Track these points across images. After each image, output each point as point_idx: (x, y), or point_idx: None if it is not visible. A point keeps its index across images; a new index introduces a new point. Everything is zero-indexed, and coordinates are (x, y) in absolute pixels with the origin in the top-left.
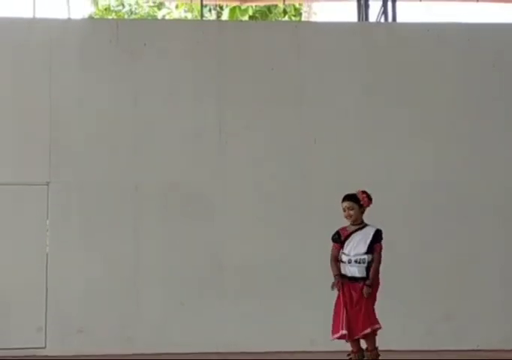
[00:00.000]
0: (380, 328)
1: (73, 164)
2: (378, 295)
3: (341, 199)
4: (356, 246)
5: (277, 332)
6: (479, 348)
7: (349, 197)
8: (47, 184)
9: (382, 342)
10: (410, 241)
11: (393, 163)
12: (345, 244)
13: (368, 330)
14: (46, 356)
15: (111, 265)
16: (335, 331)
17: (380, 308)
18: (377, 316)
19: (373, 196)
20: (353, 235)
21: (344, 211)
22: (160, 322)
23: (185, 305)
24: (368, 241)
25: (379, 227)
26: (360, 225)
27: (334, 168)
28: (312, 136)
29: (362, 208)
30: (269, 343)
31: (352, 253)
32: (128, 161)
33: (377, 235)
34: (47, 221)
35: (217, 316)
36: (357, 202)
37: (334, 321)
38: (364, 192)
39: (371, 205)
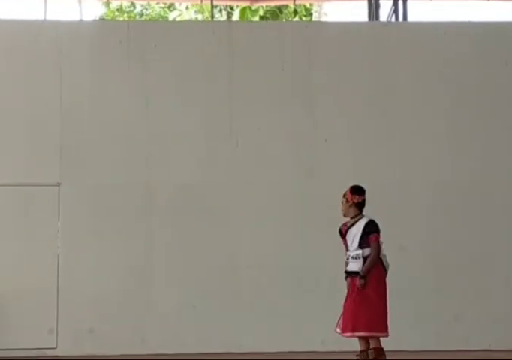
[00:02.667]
0: (372, 336)
1: (84, 165)
2: (388, 296)
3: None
4: (353, 241)
5: (289, 333)
6: (491, 348)
7: (345, 192)
8: (58, 185)
9: (393, 342)
10: (421, 242)
11: (404, 164)
12: (347, 241)
13: (348, 334)
14: (57, 356)
15: (122, 266)
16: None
17: (391, 309)
18: (385, 322)
19: (383, 196)
20: (349, 231)
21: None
22: (172, 322)
23: (197, 306)
24: (359, 235)
25: (372, 218)
26: (355, 219)
27: (345, 168)
28: (323, 136)
29: (348, 203)
30: (281, 344)
31: (351, 249)
32: (139, 162)
33: (368, 227)
34: (58, 222)
35: (229, 317)
36: (346, 197)
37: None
38: (351, 188)
39: (360, 200)
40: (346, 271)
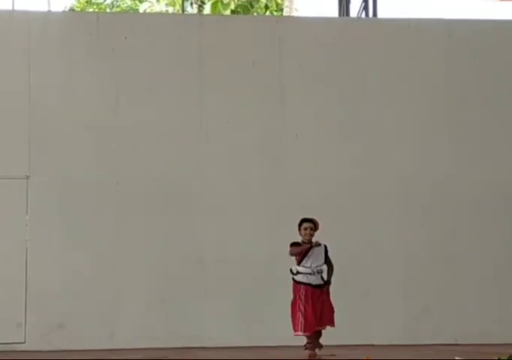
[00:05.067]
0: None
1: (53, 157)
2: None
3: (302, 219)
4: (316, 260)
5: (260, 326)
6: (457, 342)
7: (310, 220)
8: (27, 178)
9: (362, 337)
10: (390, 237)
11: (374, 159)
12: (304, 259)
13: (332, 325)
14: (26, 351)
15: (92, 261)
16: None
17: (360, 304)
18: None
19: (352, 193)
20: (310, 252)
21: (306, 229)
22: (141, 317)
23: (167, 300)
24: (323, 255)
25: (323, 243)
26: (311, 243)
27: (315, 162)
28: (294, 131)
29: (317, 230)
30: (252, 338)
31: (313, 266)
32: (108, 155)
33: (327, 249)
34: (27, 216)
35: (198, 312)
36: (315, 225)
37: (295, 322)
38: (314, 219)
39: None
40: (311, 284)
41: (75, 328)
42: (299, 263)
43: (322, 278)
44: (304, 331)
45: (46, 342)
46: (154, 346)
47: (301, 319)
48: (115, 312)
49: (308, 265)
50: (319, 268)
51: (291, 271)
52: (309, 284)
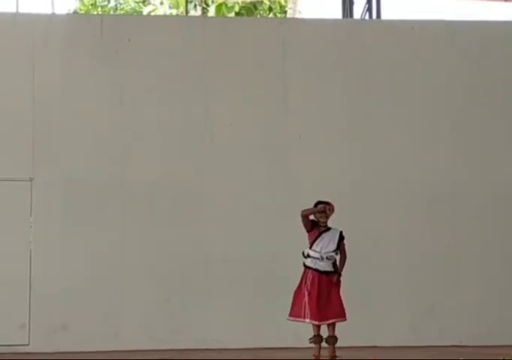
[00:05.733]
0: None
1: (57, 160)
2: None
3: (317, 201)
4: (328, 244)
5: (263, 328)
6: (462, 344)
7: (325, 202)
8: (31, 180)
9: (366, 338)
10: (394, 238)
11: (377, 160)
12: (315, 243)
13: (341, 319)
14: (30, 353)
15: (95, 262)
16: (298, 315)
17: (364, 304)
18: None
19: (356, 192)
20: (322, 235)
21: (325, 212)
22: (145, 318)
23: (171, 301)
24: (336, 241)
25: (340, 229)
26: (326, 227)
27: (318, 163)
28: (297, 132)
29: (331, 213)
30: (257, 339)
31: (323, 251)
32: (113, 157)
33: (342, 235)
34: (31, 218)
35: (202, 313)
36: (331, 208)
37: (297, 306)
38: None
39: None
40: (318, 270)
41: (79, 329)
42: (310, 247)
43: (334, 265)
44: (305, 318)
45: (50, 344)
46: (158, 347)
47: (305, 305)
48: (119, 313)
49: (318, 249)
50: (329, 255)
51: (303, 253)
52: (317, 270)
